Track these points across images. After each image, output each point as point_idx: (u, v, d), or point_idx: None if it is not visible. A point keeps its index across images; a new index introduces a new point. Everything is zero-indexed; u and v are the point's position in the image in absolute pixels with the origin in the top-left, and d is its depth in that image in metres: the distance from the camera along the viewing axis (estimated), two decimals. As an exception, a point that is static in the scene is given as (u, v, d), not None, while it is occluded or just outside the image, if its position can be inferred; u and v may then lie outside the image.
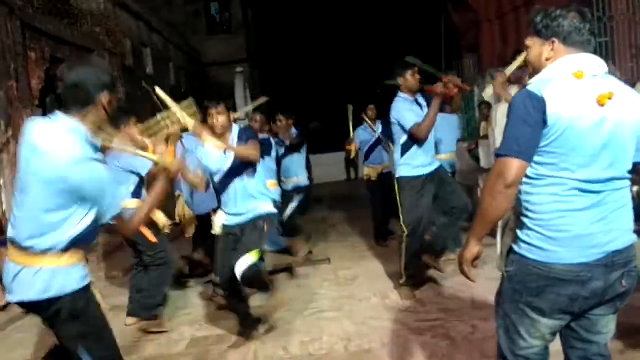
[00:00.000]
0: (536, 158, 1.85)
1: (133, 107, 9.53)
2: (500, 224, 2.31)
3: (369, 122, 6.90)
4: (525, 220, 1.92)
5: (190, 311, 4.85)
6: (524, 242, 1.92)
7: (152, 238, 4.22)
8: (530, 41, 2.01)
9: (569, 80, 1.84)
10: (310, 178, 7.28)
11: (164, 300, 4.52)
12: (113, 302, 4.93)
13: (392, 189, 5.94)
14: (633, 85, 6.75)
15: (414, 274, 4.66)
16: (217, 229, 3.95)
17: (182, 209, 5.73)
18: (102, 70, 2.40)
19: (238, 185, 3.82)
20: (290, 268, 5.74)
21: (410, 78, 4.51)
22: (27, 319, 5.04)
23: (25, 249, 2.18)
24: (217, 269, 4.10)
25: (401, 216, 4.57)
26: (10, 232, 2.24)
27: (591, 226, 1.85)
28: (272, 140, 5.90)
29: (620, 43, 7.54)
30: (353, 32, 24.76)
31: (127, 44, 10.73)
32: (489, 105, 8.84)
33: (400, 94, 4.60)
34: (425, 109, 4.50)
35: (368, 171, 7.03)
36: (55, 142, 2.13)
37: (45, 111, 6.92)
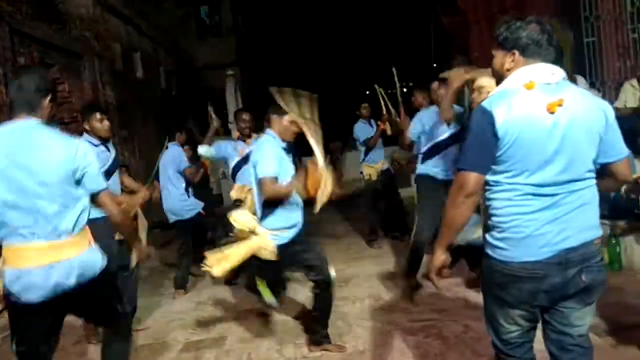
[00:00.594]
0: (493, 167, 2.00)
1: (123, 112, 9.52)
2: None
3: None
4: (488, 222, 2.09)
5: (183, 316, 4.83)
6: (488, 242, 2.09)
7: None
8: (494, 51, 2.12)
9: (519, 91, 1.97)
10: None
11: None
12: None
13: (393, 184, 6.00)
14: (620, 85, 6.83)
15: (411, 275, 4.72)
16: (271, 253, 3.56)
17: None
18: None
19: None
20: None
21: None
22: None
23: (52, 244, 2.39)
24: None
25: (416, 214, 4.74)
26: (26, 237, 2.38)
27: (542, 227, 1.98)
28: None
29: (607, 43, 7.58)
30: (343, 35, 24.79)
31: (116, 48, 10.68)
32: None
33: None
34: None
35: (368, 170, 6.90)
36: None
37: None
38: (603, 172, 2.13)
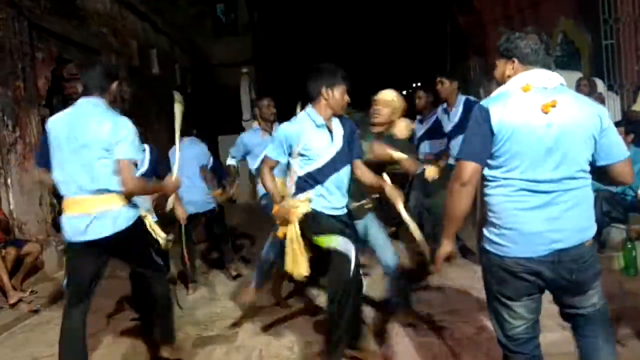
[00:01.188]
0: (489, 162, 2.14)
1: (139, 108, 9.59)
2: None
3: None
4: (486, 217, 2.20)
5: (194, 311, 4.86)
6: (486, 237, 2.20)
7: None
8: (497, 61, 2.30)
9: (516, 93, 2.13)
10: None
11: None
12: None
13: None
14: (639, 88, 6.74)
15: None
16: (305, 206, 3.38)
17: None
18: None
19: None
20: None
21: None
22: (34, 318, 5.09)
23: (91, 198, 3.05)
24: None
25: None
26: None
27: (540, 224, 2.08)
28: None
29: (626, 45, 7.50)
30: (359, 35, 24.77)
31: (133, 44, 10.76)
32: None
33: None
34: None
35: None
36: None
37: (52, 111, 6.96)
38: (603, 173, 2.22)
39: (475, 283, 4.72)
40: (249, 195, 10.35)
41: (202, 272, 6.18)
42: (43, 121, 5.94)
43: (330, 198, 3.35)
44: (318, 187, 3.32)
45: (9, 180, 6.06)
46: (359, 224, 3.83)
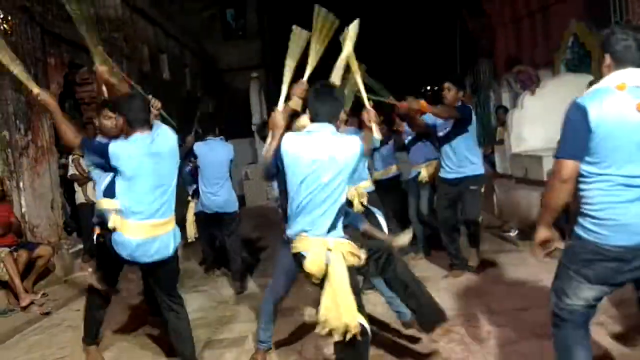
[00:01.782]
0: (587, 159, 2.25)
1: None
2: None
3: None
4: (583, 209, 2.33)
5: (205, 314, 4.87)
6: (581, 225, 2.33)
7: None
8: (603, 58, 2.39)
9: (612, 91, 2.22)
10: None
11: None
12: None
13: (398, 191, 5.98)
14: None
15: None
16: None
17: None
18: None
19: None
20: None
21: None
22: (45, 320, 5.12)
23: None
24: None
25: None
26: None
27: (634, 217, 2.21)
28: None
29: (638, 47, 7.47)
30: (368, 38, 24.73)
31: (144, 50, 10.84)
32: (505, 110, 8.82)
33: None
34: None
35: (375, 175, 6.88)
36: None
37: (64, 116, 7.03)
38: None
39: (485, 287, 4.72)
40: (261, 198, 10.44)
41: (213, 275, 6.20)
42: (54, 125, 5.99)
43: None
44: None
45: (21, 184, 6.11)
46: None
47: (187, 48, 14.37)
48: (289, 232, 2.91)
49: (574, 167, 2.26)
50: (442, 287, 4.81)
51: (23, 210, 6.12)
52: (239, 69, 17.27)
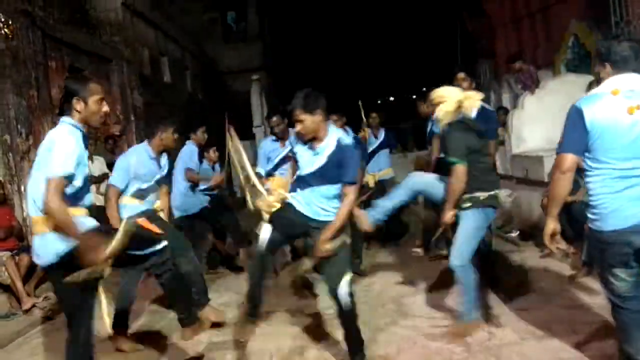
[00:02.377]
0: (587, 155, 2.54)
1: (151, 116, 9.67)
2: None
3: (368, 129, 6.93)
4: (589, 201, 2.60)
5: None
6: (589, 217, 2.60)
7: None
8: (596, 63, 2.69)
9: (606, 96, 2.49)
10: None
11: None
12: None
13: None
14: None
15: None
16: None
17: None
18: None
19: None
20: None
21: None
22: (47, 323, 5.13)
23: None
24: None
25: None
26: None
27: (627, 203, 2.44)
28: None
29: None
30: (369, 40, 24.78)
31: (144, 53, 10.86)
32: (505, 111, 8.81)
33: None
34: None
35: (366, 178, 6.77)
36: None
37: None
38: None
39: (485, 287, 4.71)
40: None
41: (214, 277, 6.21)
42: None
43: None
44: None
45: (22, 188, 6.12)
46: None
47: (187, 51, 14.38)
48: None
49: (572, 160, 2.54)
50: (442, 287, 4.82)
51: (24, 214, 6.13)
52: (239, 72, 17.28)
